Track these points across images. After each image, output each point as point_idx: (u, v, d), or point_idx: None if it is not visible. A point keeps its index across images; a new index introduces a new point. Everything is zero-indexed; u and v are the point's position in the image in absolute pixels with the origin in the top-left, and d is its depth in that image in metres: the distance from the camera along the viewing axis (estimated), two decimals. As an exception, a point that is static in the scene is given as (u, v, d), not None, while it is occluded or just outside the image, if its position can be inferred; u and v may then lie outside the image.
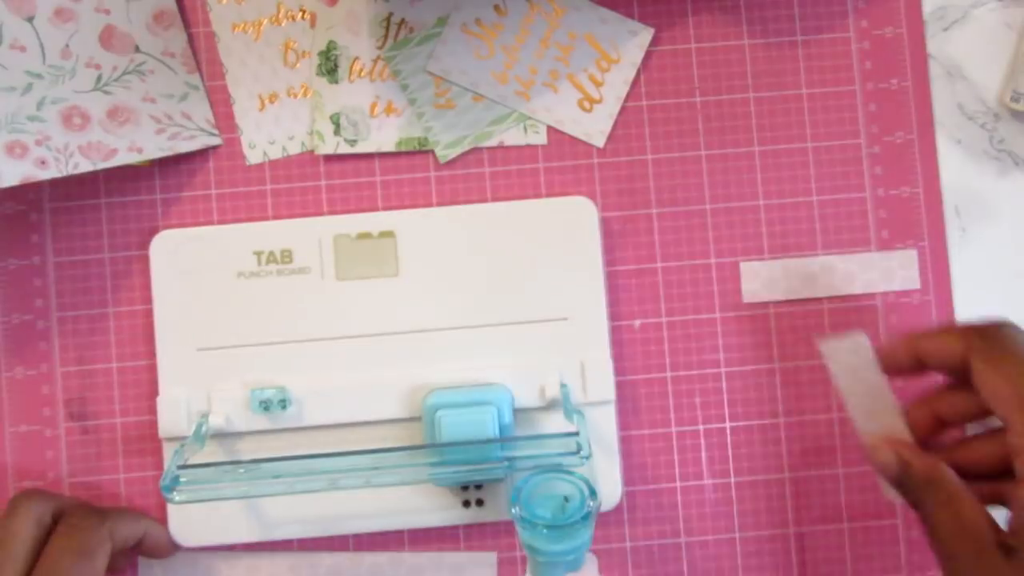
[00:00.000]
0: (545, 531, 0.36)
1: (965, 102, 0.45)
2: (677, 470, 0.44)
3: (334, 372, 0.42)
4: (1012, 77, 0.44)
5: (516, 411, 0.41)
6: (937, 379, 0.37)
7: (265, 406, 0.41)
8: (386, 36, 0.44)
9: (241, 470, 0.38)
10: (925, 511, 0.35)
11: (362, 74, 0.44)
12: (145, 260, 0.43)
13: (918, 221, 0.44)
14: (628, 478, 0.43)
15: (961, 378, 0.35)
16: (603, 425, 0.42)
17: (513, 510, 0.36)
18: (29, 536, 0.37)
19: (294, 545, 0.43)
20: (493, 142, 0.44)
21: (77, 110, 0.41)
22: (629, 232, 0.44)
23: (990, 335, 0.35)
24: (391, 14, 0.43)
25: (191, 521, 0.42)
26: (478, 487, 0.42)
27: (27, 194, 0.43)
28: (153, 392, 0.42)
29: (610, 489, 0.42)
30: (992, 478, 0.35)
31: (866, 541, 0.43)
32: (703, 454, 0.44)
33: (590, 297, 0.42)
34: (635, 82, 0.44)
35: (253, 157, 0.44)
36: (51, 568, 0.37)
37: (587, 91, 0.44)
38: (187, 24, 0.44)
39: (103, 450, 0.43)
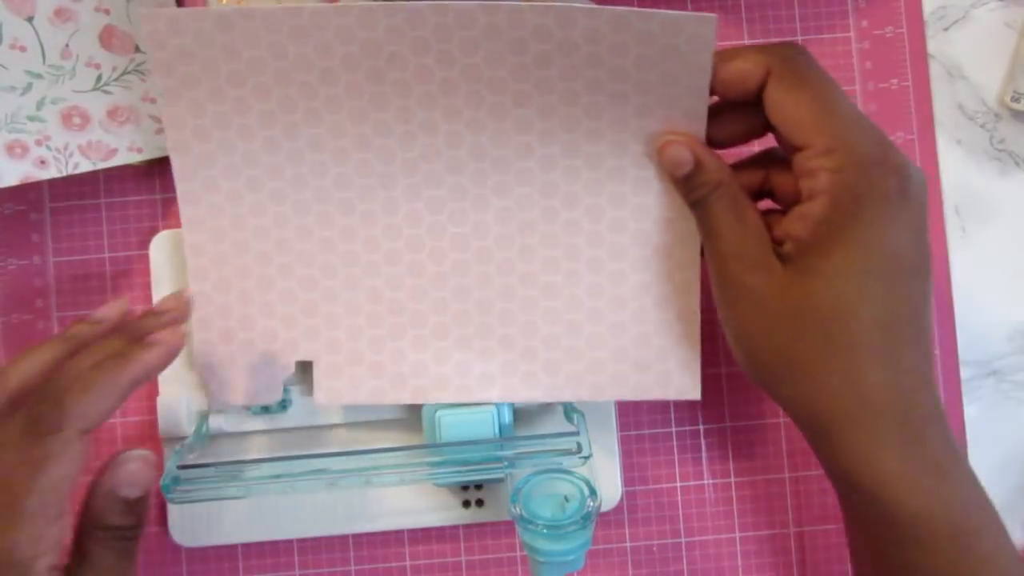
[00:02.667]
0: (545, 531, 0.36)
1: (965, 102, 0.45)
2: (677, 470, 0.44)
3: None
4: (1012, 77, 0.44)
5: (516, 411, 0.41)
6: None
7: (265, 406, 0.41)
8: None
9: (241, 470, 0.38)
10: (710, 212, 0.36)
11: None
12: (145, 260, 0.43)
13: (918, 221, 0.44)
14: (628, 478, 0.43)
15: (753, 101, 0.35)
16: (603, 425, 0.42)
17: (513, 510, 0.36)
18: None
19: (294, 545, 0.43)
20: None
21: (77, 110, 0.41)
22: (629, 232, 0.44)
23: (789, 58, 0.34)
24: None
25: (191, 521, 0.41)
26: (478, 487, 0.42)
27: (27, 194, 0.43)
28: (153, 392, 0.42)
29: (610, 489, 0.42)
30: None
31: (866, 541, 0.43)
32: (703, 454, 0.44)
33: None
34: (635, 82, 0.44)
35: (253, 157, 0.44)
36: (1, 483, 0.31)
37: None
38: (187, 24, 0.44)
39: (103, 450, 0.43)
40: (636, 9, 0.34)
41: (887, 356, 0.34)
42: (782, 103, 0.34)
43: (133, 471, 0.33)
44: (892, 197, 0.33)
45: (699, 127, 0.36)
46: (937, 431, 0.34)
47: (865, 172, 0.33)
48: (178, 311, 0.37)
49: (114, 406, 0.32)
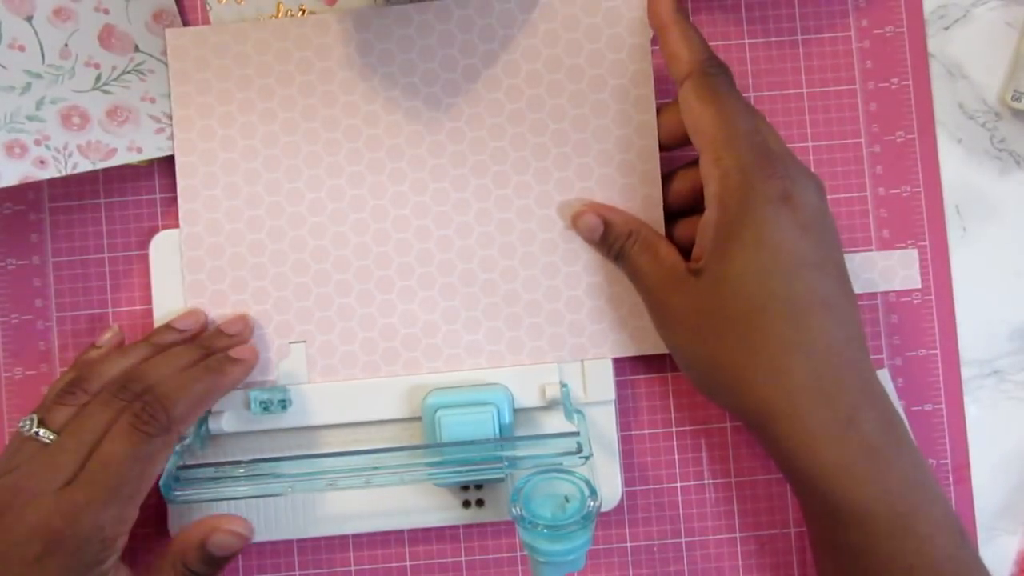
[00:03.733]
0: (545, 531, 0.36)
1: (966, 101, 0.45)
2: (677, 470, 0.44)
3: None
4: (1013, 76, 0.44)
5: (516, 411, 0.41)
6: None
7: (265, 406, 0.41)
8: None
9: (241, 470, 0.38)
10: (628, 259, 0.40)
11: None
12: (145, 260, 0.43)
13: (919, 220, 0.44)
14: (628, 478, 0.43)
15: None
16: (603, 425, 0.42)
17: (513, 510, 0.36)
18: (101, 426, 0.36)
19: (294, 545, 0.43)
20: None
21: (76, 110, 0.41)
22: (629, 232, 0.44)
23: (709, 71, 0.38)
24: (387, 2, 0.43)
25: (191, 521, 0.41)
26: (478, 487, 0.42)
27: (27, 194, 0.43)
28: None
29: (610, 489, 0.42)
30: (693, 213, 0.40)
31: (866, 541, 0.43)
32: (703, 454, 0.44)
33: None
34: (635, 81, 0.44)
35: (253, 157, 0.44)
36: (108, 468, 0.35)
37: (587, 90, 0.44)
38: (186, 23, 0.44)
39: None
40: None
41: (802, 346, 0.36)
42: (690, 107, 0.38)
43: (228, 542, 0.38)
44: (774, 199, 0.36)
45: (647, 91, 0.42)
46: (871, 412, 0.35)
47: (748, 177, 0.36)
48: (246, 331, 0.41)
49: (203, 414, 0.39)
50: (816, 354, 0.35)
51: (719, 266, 0.36)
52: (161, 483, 0.37)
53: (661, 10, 0.39)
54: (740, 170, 0.36)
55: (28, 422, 0.37)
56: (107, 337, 0.41)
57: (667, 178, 0.42)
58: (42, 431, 0.36)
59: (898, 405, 0.43)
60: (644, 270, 0.40)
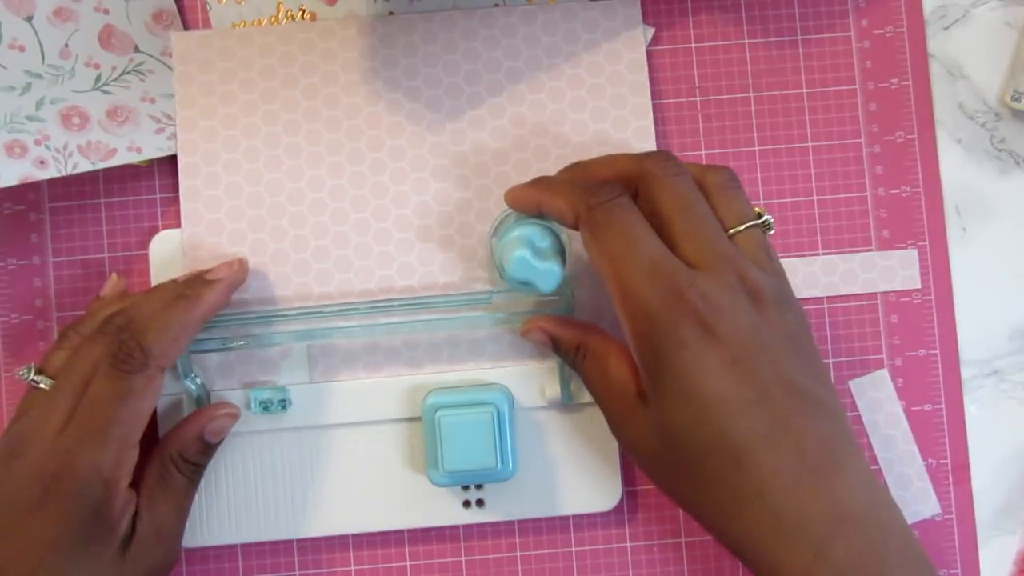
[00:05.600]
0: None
1: (966, 101, 0.45)
2: (677, 470, 0.44)
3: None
4: (1013, 76, 0.44)
5: (516, 411, 0.41)
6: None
7: (265, 406, 0.41)
8: (386, 35, 0.44)
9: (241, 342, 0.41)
10: (580, 372, 0.38)
11: (362, 74, 0.44)
12: (145, 260, 0.43)
13: (918, 221, 0.44)
14: (628, 478, 0.43)
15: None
16: (604, 424, 0.42)
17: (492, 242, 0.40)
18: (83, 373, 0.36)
19: (294, 545, 0.43)
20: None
21: (76, 110, 0.41)
22: (629, 232, 0.44)
23: (591, 207, 0.35)
24: (391, 14, 0.43)
25: (191, 521, 0.41)
26: (478, 487, 0.42)
27: (27, 194, 0.43)
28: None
29: (610, 489, 0.42)
30: None
31: (866, 541, 0.43)
32: (703, 454, 0.44)
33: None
34: (635, 81, 0.44)
35: (253, 157, 0.44)
36: (94, 410, 0.35)
37: (587, 91, 0.44)
38: (186, 24, 0.44)
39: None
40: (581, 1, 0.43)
41: (751, 490, 0.32)
42: (588, 249, 0.35)
43: (222, 425, 0.39)
44: (691, 343, 0.33)
45: (644, 100, 0.43)
46: (845, 538, 0.31)
47: (656, 323, 0.33)
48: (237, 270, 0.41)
49: (187, 343, 0.38)
50: (772, 492, 0.32)
51: (656, 411, 0.34)
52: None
53: (518, 193, 0.38)
54: (646, 316, 0.33)
55: (26, 370, 0.37)
56: (109, 287, 0.41)
57: None
58: (39, 378, 0.37)
59: (898, 406, 0.43)
60: (595, 388, 0.38)
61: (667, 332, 0.33)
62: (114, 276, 0.41)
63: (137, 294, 0.40)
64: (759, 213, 0.37)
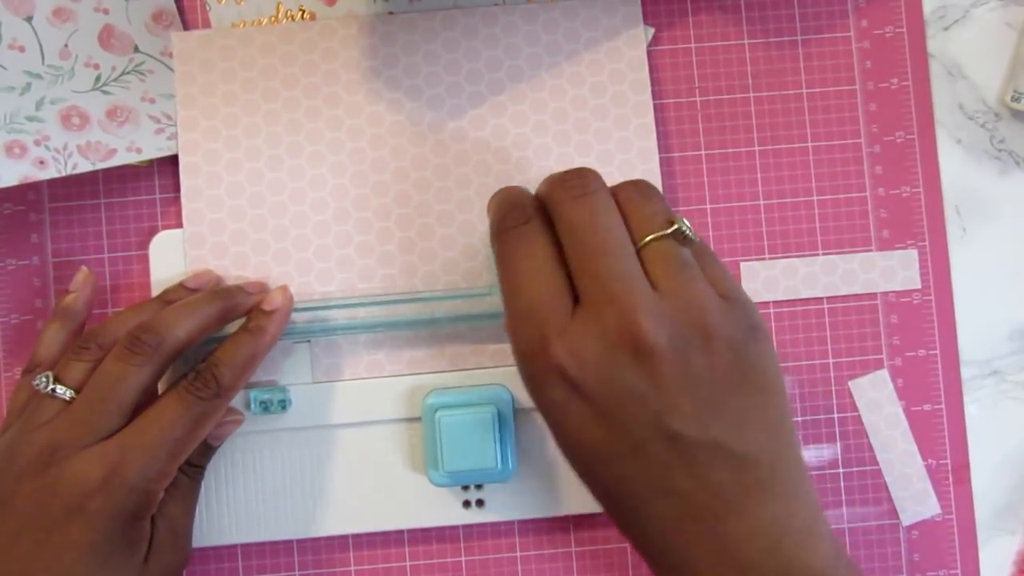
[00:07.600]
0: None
1: (966, 102, 0.45)
2: (677, 470, 0.44)
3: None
4: (1013, 76, 0.44)
5: (516, 411, 0.41)
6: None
7: (265, 406, 0.41)
8: (386, 36, 0.44)
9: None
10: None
11: (362, 74, 0.44)
12: (145, 260, 0.43)
13: (918, 221, 0.44)
14: (628, 478, 0.43)
15: None
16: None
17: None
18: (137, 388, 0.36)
19: (294, 545, 0.43)
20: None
21: (76, 110, 0.41)
22: (629, 232, 0.44)
23: (497, 234, 0.35)
24: (391, 14, 0.43)
25: (191, 521, 0.42)
26: (478, 487, 0.42)
27: (26, 194, 0.43)
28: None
29: (610, 489, 0.42)
30: None
31: (866, 542, 0.43)
32: (703, 454, 0.44)
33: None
34: (635, 82, 0.44)
35: (253, 157, 0.44)
36: (154, 425, 0.36)
37: (587, 91, 0.44)
38: (186, 24, 0.44)
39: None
40: None
41: (637, 527, 0.32)
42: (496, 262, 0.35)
43: (226, 431, 0.40)
44: (556, 398, 0.32)
45: (645, 97, 0.43)
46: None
47: (526, 373, 0.33)
48: (265, 291, 0.41)
49: (252, 374, 0.38)
50: (655, 535, 0.32)
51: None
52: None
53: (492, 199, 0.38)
54: (521, 362, 0.33)
55: (44, 379, 0.37)
56: (79, 279, 0.40)
57: None
58: (59, 388, 0.36)
59: (898, 406, 0.43)
60: (559, 441, 0.35)
61: (535, 383, 0.33)
62: (84, 269, 0.41)
63: (157, 308, 0.39)
64: (671, 222, 0.34)
